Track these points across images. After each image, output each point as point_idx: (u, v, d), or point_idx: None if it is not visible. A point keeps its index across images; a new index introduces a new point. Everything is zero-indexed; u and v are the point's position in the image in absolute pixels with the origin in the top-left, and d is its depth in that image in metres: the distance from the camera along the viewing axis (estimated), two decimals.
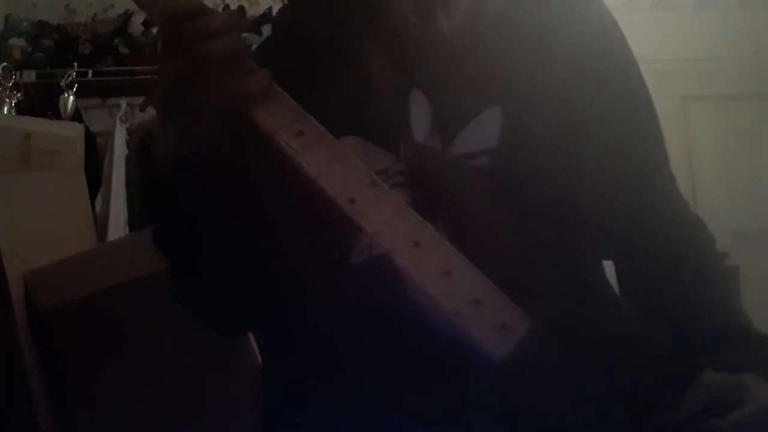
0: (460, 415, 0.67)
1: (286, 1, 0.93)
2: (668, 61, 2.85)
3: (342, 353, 0.73)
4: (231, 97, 0.73)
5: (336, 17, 0.84)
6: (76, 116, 2.64)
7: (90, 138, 2.41)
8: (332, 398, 0.73)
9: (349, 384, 0.72)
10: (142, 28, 2.78)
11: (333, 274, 0.75)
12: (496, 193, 0.75)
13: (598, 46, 0.84)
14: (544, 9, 0.84)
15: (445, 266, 0.66)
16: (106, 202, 2.56)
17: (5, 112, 2.48)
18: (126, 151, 2.67)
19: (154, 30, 2.69)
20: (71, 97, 2.63)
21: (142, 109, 2.65)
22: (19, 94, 2.55)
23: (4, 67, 2.54)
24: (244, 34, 2.66)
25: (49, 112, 2.58)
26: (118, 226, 2.53)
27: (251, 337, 1.40)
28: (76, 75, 2.66)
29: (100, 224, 2.46)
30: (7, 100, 2.50)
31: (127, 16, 2.83)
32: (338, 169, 0.70)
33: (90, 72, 2.73)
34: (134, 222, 2.55)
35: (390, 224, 0.68)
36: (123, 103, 2.74)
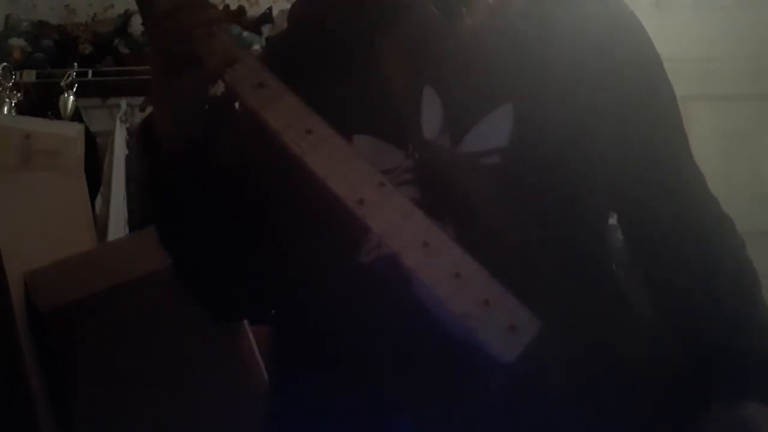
0: (469, 416, 0.67)
1: None
2: (668, 61, 2.85)
3: (348, 353, 0.73)
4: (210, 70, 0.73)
5: (355, 13, 0.84)
6: (76, 116, 2.64)
7: (90, 138, 2.41)
8: (337, 398, 0.73)
9: (355, 384, 0.72)
10: (142, 28, 2.78)
11: (341, 274, 0.75)
12: (506, 192, 0.74)
13: (615, 44, 0.82)
14: (558, 6, 0.83)
15: (454, 267, 0.66)
16: (106, 202, 2.56)
17: (5, 112, 2.48)
18: (126, 151, 2.67)
19: None
20: (71, 97, 2.63)
21: (142, 109, 2.65)
22: (19, 94, 2.55)
23: (4, 67, 2.54)
24: (244, 34, 2.66)
25: (49, 112, 2.58)
26: (118, 226, 2.53)
27: (251, 337, 1.40)
28: (76, 75, 2.66)
29: (100, 224, 2.46)
30: (7, 100, 2.50)
31: (127, 16, 2.83)
32: (346, 169, 0.70)
33: (90, 72, 2.73)
34: (134, 222, 2.55)
35: (398, 225, 0.68)
36: (123, 103, 2.74)
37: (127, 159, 2.65)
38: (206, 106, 0.78)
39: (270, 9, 2.80)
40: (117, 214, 2.55)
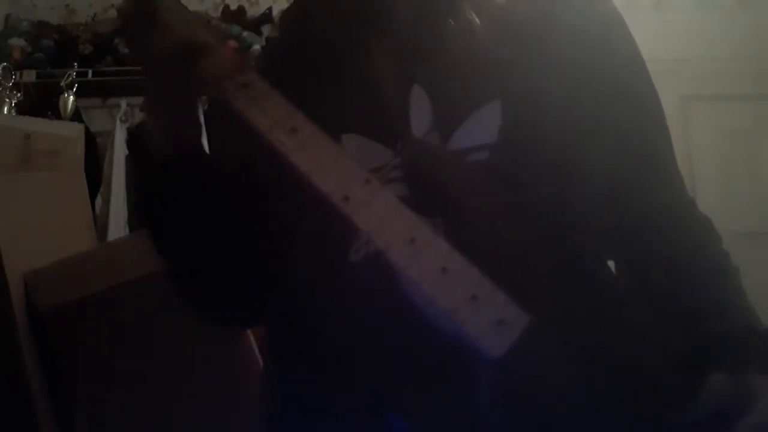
0: (463, 413, 0.67)
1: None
2: (668, 61, 2.85)
3: (343, 352, 0.73)
4: (207, 81, 0.74)
5: (344, 14, 0.84)
6: (76, 116, 2.64)
7: (90, 138, 2.41)
8: (333, 397, 0.73)
9: (349, 383, 0.72)
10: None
11: (333, 273, 0.75)
12: (495, 188, 0.74)
13: (603, 42, 0.84)
14: (547, 5, 0.84)
15: (442, 263, 0.66)
16: (106, 202, 2.56)
17: (5, 112, 2.48)
18: (126, 151, 2.67)
19: None
20: (71, 97, 2.62)
21: (142, 109, 2.65)
22: (19, 94, 2.55)
23: (4, 67, 2.54)
24: (244, 34, 2.66)
25: (49, 112, 2.58)
26: (118, 226, 2.53)
27: (251, 337, 1.40)
28: (76, 75, 2.66)
29: (100, 224, 2.46)
30: (7, 100, 2.50)
31: None
32: (332, 167, 0.70)
33: (90, 72, 2.72)
34: (134, 222, 2.55)
35: (385, 221, 0.68)
36: (123, 103, 2.73)
37: (127, 159, 2.65)
38: (197, 109, 0.79)
39: (270, 9, 2.80)
40: (117, 214, 2.54)
